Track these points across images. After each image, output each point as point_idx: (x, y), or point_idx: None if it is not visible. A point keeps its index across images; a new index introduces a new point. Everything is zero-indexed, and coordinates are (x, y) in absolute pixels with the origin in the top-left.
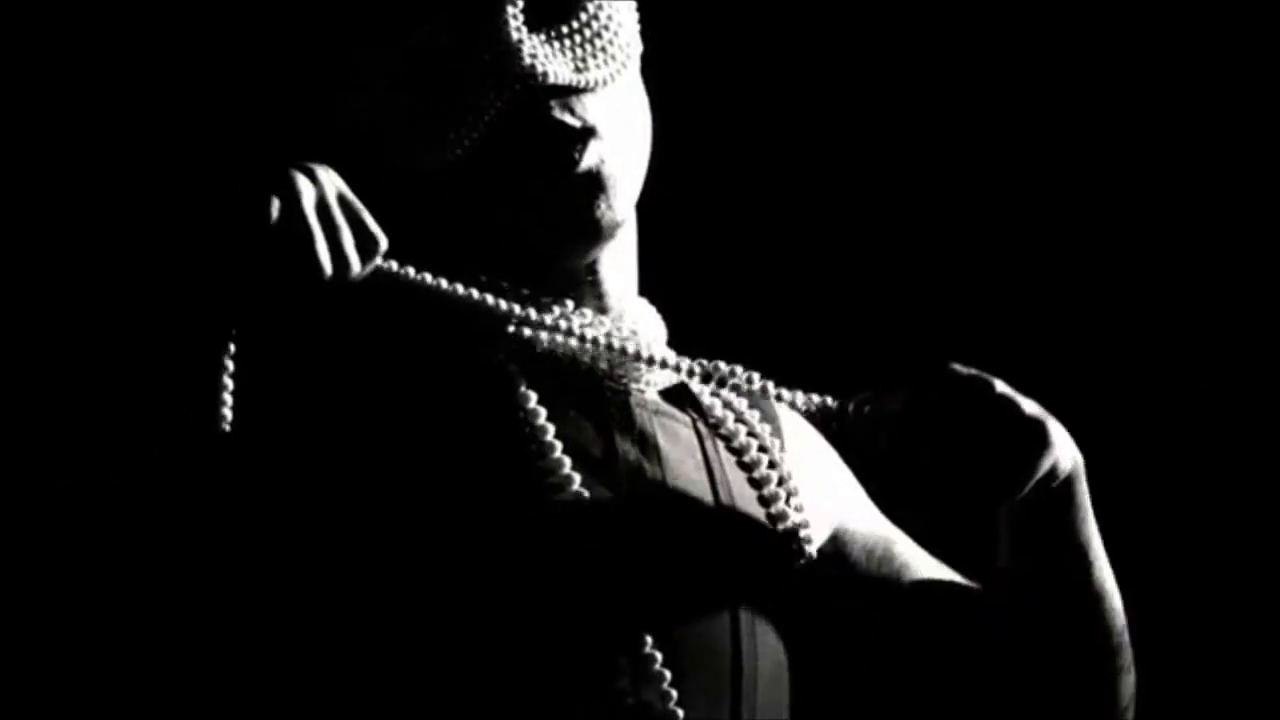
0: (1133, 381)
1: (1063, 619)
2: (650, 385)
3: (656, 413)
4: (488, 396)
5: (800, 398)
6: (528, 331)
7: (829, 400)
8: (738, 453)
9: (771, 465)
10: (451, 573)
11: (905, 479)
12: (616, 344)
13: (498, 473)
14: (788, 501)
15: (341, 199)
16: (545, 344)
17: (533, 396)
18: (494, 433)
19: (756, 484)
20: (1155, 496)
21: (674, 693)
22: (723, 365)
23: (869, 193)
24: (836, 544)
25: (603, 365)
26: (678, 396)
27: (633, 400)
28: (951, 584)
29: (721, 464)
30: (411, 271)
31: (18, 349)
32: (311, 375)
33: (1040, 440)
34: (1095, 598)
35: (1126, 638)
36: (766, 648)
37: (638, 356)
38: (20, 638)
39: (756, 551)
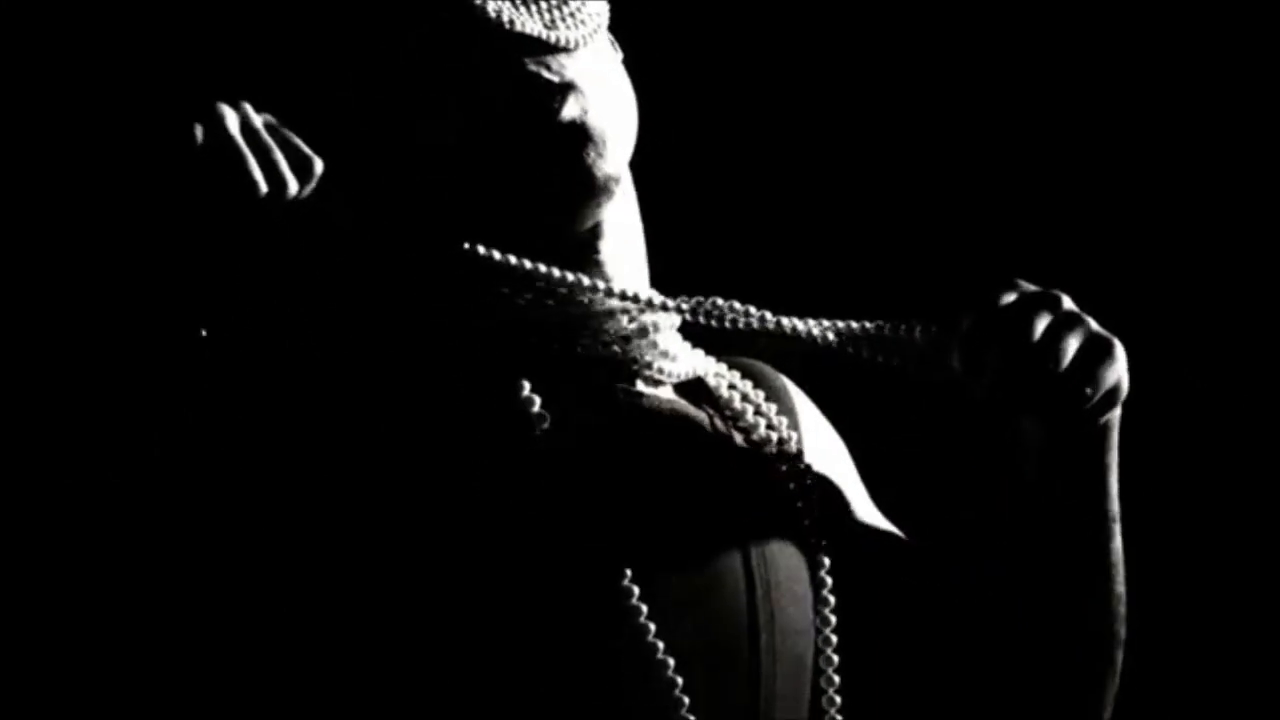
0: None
1: (1077, 579)
2: (669, 376)
3: (671, 410)
4: (492, 400)
5: (840, 324)
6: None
7: (867, 324)
8: (757, 446)
9: (791, 459)
10: (458, 576)
11: (977, 391)
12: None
13: (501, 475)
14: (809, 495)
15: (269, 124)
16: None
17: (537, 401)
18: (497, 436)
19: (776, 478)
20: (1154, 496)
21: (686, 700)
22: (720, 301)
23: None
24: (849, 538)
25: (616, 349)
26: (694, 393)
27: (645, 401)
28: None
29: (740, 458)
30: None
31: (12, 347)
32: (306, 371)
33: (1108, 353)
34: (1111, 562)
35: (1125, 614)
36: (786, 643)
37: (623, 296)
38: (21, 638)
39: (779, 547)
